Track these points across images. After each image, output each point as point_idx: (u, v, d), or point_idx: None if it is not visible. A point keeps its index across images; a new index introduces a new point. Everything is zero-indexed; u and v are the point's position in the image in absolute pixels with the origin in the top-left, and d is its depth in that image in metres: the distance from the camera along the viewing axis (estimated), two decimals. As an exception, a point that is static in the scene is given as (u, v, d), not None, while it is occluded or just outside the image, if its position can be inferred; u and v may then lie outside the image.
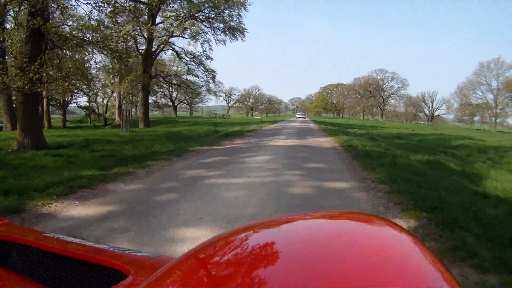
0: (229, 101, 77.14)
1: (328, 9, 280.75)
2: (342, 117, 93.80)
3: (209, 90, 25.54)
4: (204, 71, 22.92)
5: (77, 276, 0.72)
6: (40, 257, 0.76)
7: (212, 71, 23.15)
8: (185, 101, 58.11)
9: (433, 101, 69.40)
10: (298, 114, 55.13)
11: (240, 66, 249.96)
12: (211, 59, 21.08)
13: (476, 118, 76.21)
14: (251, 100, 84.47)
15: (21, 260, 0.79)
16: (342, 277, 0.33)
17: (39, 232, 0.98)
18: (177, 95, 55.06)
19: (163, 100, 51.59)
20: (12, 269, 0.77)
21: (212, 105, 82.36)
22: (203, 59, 21.27)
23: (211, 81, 23.74)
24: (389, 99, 72.65)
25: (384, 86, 72.30)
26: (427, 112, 70.71)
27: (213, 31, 19.33)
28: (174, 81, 27.90)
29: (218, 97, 61.79)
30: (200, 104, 78.35)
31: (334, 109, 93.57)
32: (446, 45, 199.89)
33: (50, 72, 8.45)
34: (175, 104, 56.93)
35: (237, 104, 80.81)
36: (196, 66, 22.53)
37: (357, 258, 0.38)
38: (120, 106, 33.59)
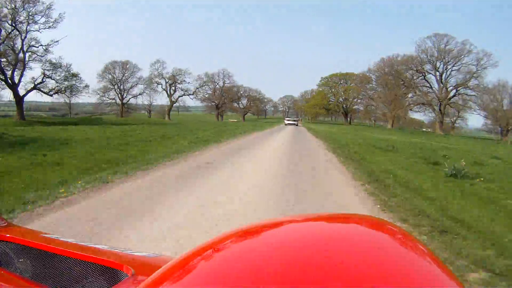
0: (171, 92, 46.83)
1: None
2: (350, 123, 65.41)
3: None
4: None
5: (78, 276, 0.73)
6: (40, 258, 0.77)
7: None
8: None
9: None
10: (287, 119, 39.21)
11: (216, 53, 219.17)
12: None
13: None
14: (218, 94, 54.90)
15: (21, 260, 0.79)
16: (342, 278, 0.33)
17: (38, 233, 0.95)
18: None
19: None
20: (12, 269, 0.78)
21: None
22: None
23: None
24: (461, 90, 40.21)
25: (449, 64, 40.10)
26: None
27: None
28: None
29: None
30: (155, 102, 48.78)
31: (341, 110, 64.60)
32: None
33: None
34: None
35: (190, 96, 49.84)
36: None
37: (357, 260, 0.37)
38: None
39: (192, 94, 47.69)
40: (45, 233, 0.92)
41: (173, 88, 46.55)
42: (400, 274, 0.35)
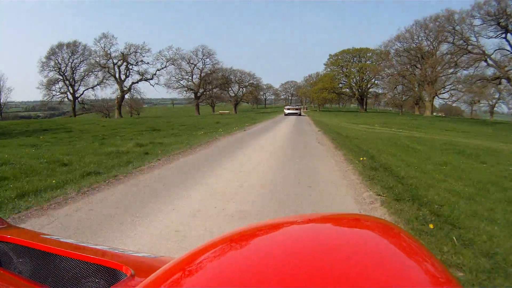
0: (122, 78, 33.86)
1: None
2: (366, 110, 52.54)
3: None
4: None
5: (77, 276, 0.73)
6: (40, 258, 0.78)
7: None
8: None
9: None
10: (288, 108, 31.99)
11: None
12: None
13: None
14: (195, 78, 42.21)
15: (21, 261, 0.80)
16: (344, 279, 0.33)
17: (38, 233, 0.96)
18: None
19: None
20: (12, 269, 0.79)
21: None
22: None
23: None
24: None
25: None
26: None
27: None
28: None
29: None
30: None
31: (356, 94, 51.54)
32: None
33: None
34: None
35: (149, 81, 36.55)
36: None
37: (359, 261, 0.38)
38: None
39: (152, 79, 34.34)
40: (45, 234, 0.91)
41: (125, 71, 33.46)
42: (401, 276, 0.35)
